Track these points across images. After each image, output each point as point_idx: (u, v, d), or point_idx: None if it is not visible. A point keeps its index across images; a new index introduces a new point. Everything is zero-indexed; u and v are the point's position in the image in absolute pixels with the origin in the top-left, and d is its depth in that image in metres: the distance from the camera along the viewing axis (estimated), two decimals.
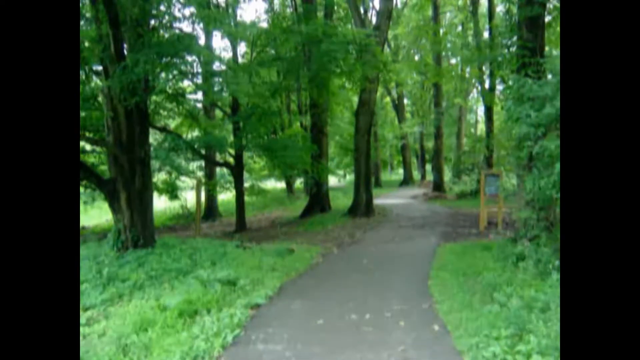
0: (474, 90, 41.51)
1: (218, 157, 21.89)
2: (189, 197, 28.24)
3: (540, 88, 8.18)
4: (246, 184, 22.39)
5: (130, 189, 11.37)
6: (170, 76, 12.27)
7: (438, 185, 31.27)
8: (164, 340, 5.75)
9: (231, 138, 19.53)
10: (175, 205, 26.75)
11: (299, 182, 36.71)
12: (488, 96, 25.45)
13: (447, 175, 35.64)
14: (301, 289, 8.30)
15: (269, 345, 5.57)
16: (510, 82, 9.21)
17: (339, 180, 49.56)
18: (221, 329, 6.02)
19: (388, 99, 46.35)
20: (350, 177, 44.03)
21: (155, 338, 5.85)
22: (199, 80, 14.87)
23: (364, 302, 7.24)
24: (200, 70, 13.76)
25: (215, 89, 17.01)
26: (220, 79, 15.56)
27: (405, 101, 47.70)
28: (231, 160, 20.00)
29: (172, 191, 21.55)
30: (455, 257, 10.27)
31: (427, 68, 28.91)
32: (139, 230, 11.46)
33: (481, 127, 59.33)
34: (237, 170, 19.43)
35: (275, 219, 23.45)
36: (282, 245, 13.18)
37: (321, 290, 8.13)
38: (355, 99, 25.19)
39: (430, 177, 49.92)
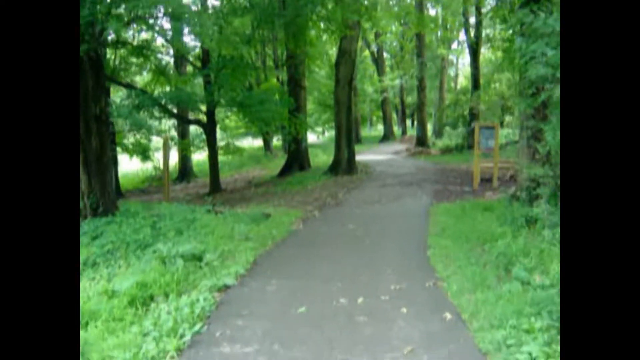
0: (456, 43, 40.18)
1: (191, 116, 20.40)
2: (160, 159, 27.19)
3: (557, 22, 6.91)
4: (221, 143, 21.28)
5: (85, 150, 9.96)
6: (125, 19, 10.71)
7: (421, 140, 30.07)
8: (104, 342, 4.50)
9: (203, 94, 18.07)
10: (148, 167, 25.84)
11: (277, 140, 35.47)
12: (474, 41, 24.12)
13: (429, 130, 34.47)
14: (279, 263, 7.06)
15: (237, 346, 4.33)
16: (518, 16, 7.89)
17: (318, 137, 48.24)
18: (179, 322, 4.77)
19: (367, 52, 44.70)
20: (330, 134, 42.77)
21: (95, 338, 4.59)
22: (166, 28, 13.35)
23: (354, 279, 6.04)
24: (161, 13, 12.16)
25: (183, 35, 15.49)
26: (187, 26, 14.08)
27: (385, 55, 46.13)
28: (203, 117, 18.59)
29: (143, 152, 20.30)
30: (454, 220, 9.11)
31: (409, 17, 27.32)
32: (97, 197, 10.11)
33: (461, 82, 58.18)
34: (210, 127, 18.03)
35: (252, 179, 22.25)
36: (258, 208, 11.98)
37: (302, 265, 6.90)
38: (334, 53, 23.71)
39: (411, 132, 48.98)
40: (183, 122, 21.79)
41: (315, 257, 7.27)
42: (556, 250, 5.95)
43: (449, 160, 22.55)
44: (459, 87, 56.35)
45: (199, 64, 18.87)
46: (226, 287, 5.95)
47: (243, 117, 19.11)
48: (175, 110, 19.60)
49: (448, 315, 4.78)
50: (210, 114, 17.87)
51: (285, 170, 21.46)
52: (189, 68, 22.84)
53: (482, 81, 26.15)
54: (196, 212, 10.89)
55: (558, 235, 6.47)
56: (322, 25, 18.94)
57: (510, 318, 4.37)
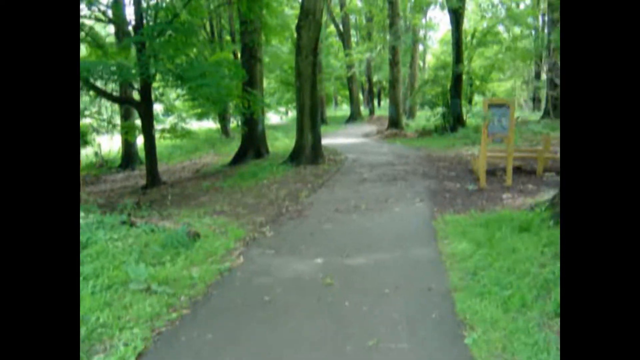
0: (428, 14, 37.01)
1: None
2: (105, 143, 23.68)
3: None
4: (166, 125, 17.94)
5: None
6: None
7: (395, 121, 26.69)
8: None
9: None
10: (89, 152, 22.94)
11: (236, 122, 32.02)
12: (454, 1, 20.79)
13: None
14: None
15: None
16: None
17: (281, 118, 44.73)
18: None
19: (331, 28, 41.11)
20: (294, 115, 39.35)
21: None
22: None
23: None
24: None
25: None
26: None
27: (352, 32, 42.61)
28: (135, 95, 14.94)
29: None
30: (480, 251, 5.71)
31: None
32: None
33: (429, 60, 55.11)
34: (145, 107, 14.34)
35: (201, 167, 18.74)
36: (190, 217, 8.57)
37: None
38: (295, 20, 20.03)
39: (379, 112, 45.83)
40: (111, 101, 18.01)
41: (255, 350, 3.84)
42: None
43: (430, 145, 19.23)
44: (427, 66, 53.47)
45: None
46: None
47: (185, 93, 15.51)
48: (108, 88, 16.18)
49: None
50: (145, 90, 14.18)
51: (239, 158, 18.01)
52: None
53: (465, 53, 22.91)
54: (104, 224, 7.56)
55: None
56: None
57: None
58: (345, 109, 55.19)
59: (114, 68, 13.25)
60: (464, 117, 23.51)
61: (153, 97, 15.04)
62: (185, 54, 15.63)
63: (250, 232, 7.43)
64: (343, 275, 5.33)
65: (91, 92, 14.82)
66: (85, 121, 20.21)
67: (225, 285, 5.30)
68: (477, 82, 35.44)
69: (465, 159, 14.55)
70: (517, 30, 32.38)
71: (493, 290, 4.56)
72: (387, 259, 5.82)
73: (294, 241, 6.82)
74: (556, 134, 15.72)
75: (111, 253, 6.16)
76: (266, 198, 10.23)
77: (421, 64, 47.82)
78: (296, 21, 15.75)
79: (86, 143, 21.28)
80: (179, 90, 15.92)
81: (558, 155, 11.68)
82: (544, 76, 39.42)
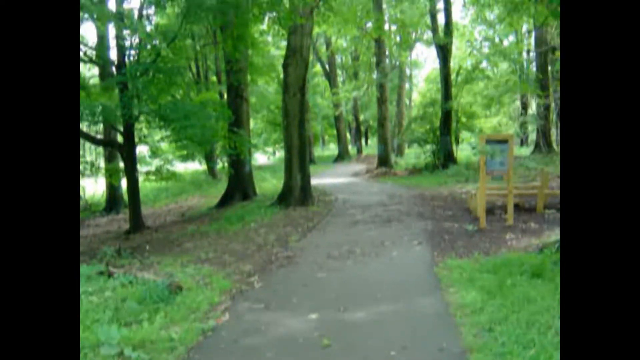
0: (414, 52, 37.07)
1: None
2: (89, 186, 23.04)
3: None
4: (151, 167, 17.43)
5: None
6: None
7: (384, 160, 26.30)
8: None
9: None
10: None
11: (222, 164, 31.48)
12: (444, 39, 20.59)
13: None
14: None
15: None
16: None
17: (269, 158, 44.29)
18: None
19: (318, 67, 41.10)
20: (281, 155, 38.95)
21: None
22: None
23: None
24: None
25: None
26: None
27: (338, 72, 42.67)
28: (119, 137, 14.39)
29: None
30: (492, 302, 5.14)
31: (368, 17, 23.63)
32: None
33: (415, 98, 55.23)
34: (127, 149, 13.79)
35: (187, 210, 18.16)
36: (173, 265, 7.99)
37: None
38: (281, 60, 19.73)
39: (366, 151, 45.60)
40: (94, 144, 17.46)
41: None
42: None
43: (421, 183, 18.77)
44: (413, 104, 53.54)
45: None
46: None
47: (170, 134, 15.00)
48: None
49: None
50: (128, 132, 13.65)
51: (226, 199, 17.41)
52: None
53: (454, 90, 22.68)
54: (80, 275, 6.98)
55: None
56: (266, 18, 15.05)
57: None
58: (332, 149, 55.04)
59: (98, 109, 12.74)
60: (455, 154, 23.17)
61: (137, 139, 14.56)
62: (170, 94, 15.21)
63: (237, 282, 6.83)
64: (342, 334, 4.73)
65: None
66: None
67: (208, 348, 4.68)
68: (464, 119, 35.31)
69: (459, 197, 14.07)
70: (503, 66, 32.41)
71: (514, 350, 3.99)
72: (389, 313, 5.24)
73: (285, 293, 6.21)
74: (550, 169, 15.35)
75: (84, 309, 5.55)
76: (254, 243, 9.64)
77: (407, 102, 47.81)
78: (282, 61, 15.40)
79: None
80: (163, 132, 15.41)
81: (558, 191, 11.24)
82: (530, 111, 39.52)
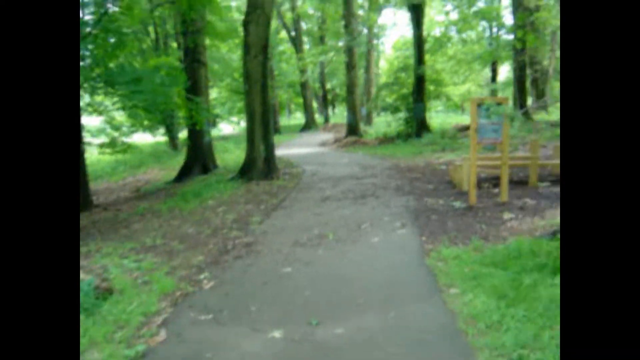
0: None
1: None
2: None
3: None
4: (105, 138, 16.13)
5: None
6: None
7: (353, 128, 25.01)
8: None
9: None
10: None
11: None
12: None
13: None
14: None
15: None
16: None
17: (234, 129, 42.67)
18: None
19: (283, 34, 39.37)
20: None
21: None
22: None
23: None
24: None
25: None
26: None
27: (304, 39, 40.92)
28: None
29: None
30: (510, 310, 3.95)
31: None
32: None
33: (383, 65, 53.91)
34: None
35: (143, 185, 16.75)
36: (112, 256, 6.71)
37: None
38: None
39: (334, 120, 44.31)
40: None
41: None
42: None
43: (395, 153, 17.50)
44: (381, 71, 52.24)
45: None
46: None
47: (117, 101, 13.44)
48: None
49: None
50: None
51: (185, 173, 16.05)
52: None
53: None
54: None
55: None
56: None
57: None
58: (299, 118, 53.59)
59: None
60: (428, 122, 22.00)
61: (91, 109, 13.15)
62: (118, 58, 13.61)
63: (183, 281, 5.47)
64: None
65: None
66: None
67: None
68: (431, 87, 34.27)
69: (438, 168, 12.86)
70: (472, 35, 31.30)
71: None
72: (377, 329, 3.96)
73: (242, 297, 4.88)
74: (535, 137, 14.31)
75: None
76: (209, 225, 8.28)
77: (376, 69, 46.45)
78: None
79: None
80: (111, 99, 13.87)
81: (551, 162, 10.10)
82: (499, 78, 38.64)
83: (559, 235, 5.52)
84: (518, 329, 3.63)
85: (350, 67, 25.07)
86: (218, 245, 6.94)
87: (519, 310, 3.89)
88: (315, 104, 47.85)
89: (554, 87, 28.60)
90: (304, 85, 38.51)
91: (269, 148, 13.31)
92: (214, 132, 42.49)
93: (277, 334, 3.98)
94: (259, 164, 12.98)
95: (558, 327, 3.58)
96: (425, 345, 3.62)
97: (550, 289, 4.21)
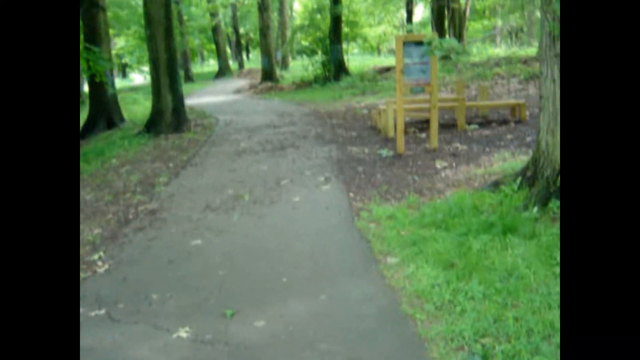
0: None
1: None
2: None
3: None
4: None
5: None
6: None
7: (268, 74, 23.93)
8: None
9: None
10: None
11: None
12: None
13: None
14: None
15: None
16: None
17: (145, 78, 40.43)
18: None
19: None
20: None
21: None
22: None
23: None
24: None
25: None
26: None
27: None
28: None
29: None
30: (460, 283, 3.34)
31: None
32: None
33: (297, 9, 52.31)
34: None
35: None
36: None
37: None
38: None
39: (249, 65, 42.80)
40: None
41: None
42: None
43: (313, 98, 16.68)
44: (295, 14, 50.73)
45: None
46: None
47: None
48: None
49: None
50: None
51: (89, 128, 14.58)
52: None
53: None
54: None
55: None
56: None
57: None
58: (212, 65, 51.47)
59: None
60: (346, 65, 21.24)
61: None
62: None
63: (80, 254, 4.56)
64: None
65: None
66: None
67: None
68: (347, 29, 33.49)
69: (360, 112, 12.19)
70: None
71: None
72: (304, 318, 3.24)
73: (142, 282, 4.04)
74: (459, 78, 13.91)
75: None
76: (111, 190, 7.27)
77: (290, 11, 44.93)
78: None
79: None
80: None
81: (478, 103, 9.62)
82: (414, 19, 38.18)
83: (501, 187, 4.96)
84: (475, 310, 3.01)
85: (263, 8, 23.76)
86: (118, 215, 6.00)
87: (472, 285, 3.27)
88: (229, 50, 46.00)
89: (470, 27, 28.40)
90: (215, 30, 36.64)
91: (178, 98, 12.18)
92: (124, 83, 40.19)
93: (183, 332, 3.19)
94: (167, 116, 11.87)
95: (521, 305, 2.99)
96: (365, 339, 2.94)
97: (504, 255, 3.62)
